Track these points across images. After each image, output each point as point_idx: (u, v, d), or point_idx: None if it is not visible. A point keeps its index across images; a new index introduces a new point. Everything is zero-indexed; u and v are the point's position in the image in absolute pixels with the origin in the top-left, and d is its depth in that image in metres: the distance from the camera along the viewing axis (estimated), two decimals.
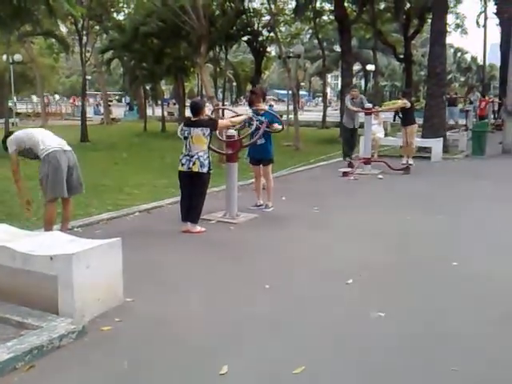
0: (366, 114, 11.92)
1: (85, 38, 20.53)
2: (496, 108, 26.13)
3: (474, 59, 61.40)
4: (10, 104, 28.64)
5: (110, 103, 35.65)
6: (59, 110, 40.33)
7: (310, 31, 33.19)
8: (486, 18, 32.46)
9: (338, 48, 31.97)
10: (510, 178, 11.24)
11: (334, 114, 30.97)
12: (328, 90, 52.00)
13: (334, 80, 72.33)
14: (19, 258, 3.98)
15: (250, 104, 8.02)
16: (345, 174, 11.22)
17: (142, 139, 20.56)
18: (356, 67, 43.05)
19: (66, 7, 12.81)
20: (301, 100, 56.08)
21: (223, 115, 8.25)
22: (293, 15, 26.59)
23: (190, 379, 3.17)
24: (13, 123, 23.60)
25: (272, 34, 25.65)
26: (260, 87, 11.54)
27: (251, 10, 25.91)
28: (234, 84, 42.99)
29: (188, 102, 21.54)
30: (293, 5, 25.94)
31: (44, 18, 17.26)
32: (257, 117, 7.39)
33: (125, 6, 25.54)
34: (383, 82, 53.20)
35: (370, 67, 35.16)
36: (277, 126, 7.58)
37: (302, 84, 61.21)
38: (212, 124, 6.56)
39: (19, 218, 6.47)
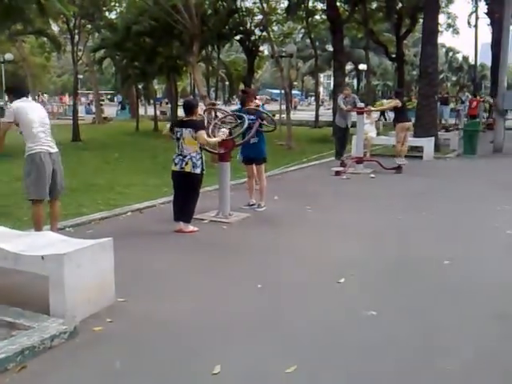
0: (358, 113, 11.96)
1: (76, 36, 20.40)
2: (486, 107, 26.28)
3: (465, 59, 61.70)
4: (1, 103, 28.46)
5: (101, 102, 35.52)
6: (51, 109, 40.14)
7: (303, 30, 33.26)
8: (477, 18, 32.65)
9: (330, 47, 31.97)
10: (501, 176, 11.30)
11: (326, 114, 30.95)
12: (320, 89, 52.09)
13: (326, 79, 72.36)
14: (10, 258, 3.96)
15: (242, 104, 8.02)
16: (337, 173, 11.25)
17: (134, 138, 20.49)
18: (348, 67, 43.11)
19: (58, 6, 12.78)
20: (294, 99, 56.14)
21: (216, 115, 8.24)
22: (285, 14, 26.60)
23: (182, 379, 3.17)
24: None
25: (264, 33, 25.69)
26: (251, 88, 11.56)
27: (243, 9, 25.93)
28: (227, 83, 42.98)
29: (181, 101, 21.53)
30: (285, 4, 25.98)
31: (35, 17, 17.18)
32: (249, 115, 7.39)
33: (117, 4, 25.43)
34: (375, 81, 53.35)
35: (363, 67, 35.26)
36: (266, 125, 7.59)
37: (295, 83, 61.21)
38: (196, 126, 6.40)
39: (11, 218, 6.43)
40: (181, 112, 6.77)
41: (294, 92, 56.00)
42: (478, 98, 24.55)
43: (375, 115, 15.24)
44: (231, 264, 5.33)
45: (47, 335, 3.46)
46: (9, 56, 28.01)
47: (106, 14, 25.35)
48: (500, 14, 18.40)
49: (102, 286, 4.08)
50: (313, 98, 58.39)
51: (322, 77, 58.72)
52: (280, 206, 7.99)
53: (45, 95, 49.51)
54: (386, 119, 27.10)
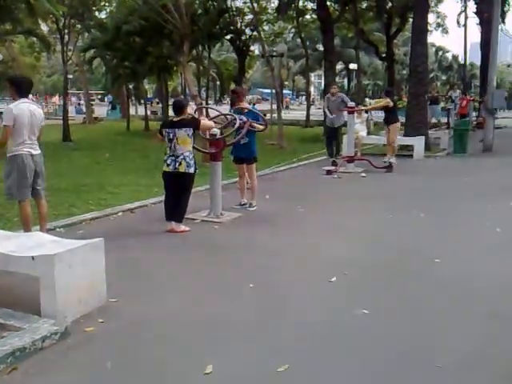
0: (349, 112, 11.98)
1: (66, 36, 20.29)
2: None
3: (455, 58, 62.03)
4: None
5: (92, 102, 35.35)
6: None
7: (293, 30, 33.25)
8: (466, 18, 32.82)
9: (320, 47, 32.02)
10: (491, 175, 11.37)
11: (317, 113, 31.05)
12: (311, 88, 52.17)
13: (317, 79, 72.45)
14: (0, 260, 3.94)
15: (232, 104, 8.02)
16: (328, 172, 11.27)
17: (124, 138, 20.43)
18: (339, 66, 43.23)
19: (47, 6, 12.71)
20: (286, 98, 56.20)
21: (207, 115, 8.24)
22: (275, 14, 26.61)
23: (174, 379, 3.17)
24: None
25: (255, 33, 25.66)
26: (240, 88, 11.55)
27: (234, 9, 25.90)
28: (218, 83, 42.92)
29: (171, 101, 21.46)
30: (275, 3, 25.99)
31: (25, 17, 17.08)
32: (240, 116, 7.40)
33: (107, 4, 25.34)
34: (366, 80, 53.55)
35: (353, 66, 35.29)
36: (258, 126, 7.60)
37: (286, 83, 61.27)
38: (194, 123, 6.54)
39: (1, 219, 6.39)
40: (172, 112, 6.75)
41: (284, 91, 56.02)
42: (467, 96, 24.70)
43: (365, 114, 15.29)
44: (223, 264, 5.33)
45: (38, 336, 3.44)
46: None
47: (96, 13, 25.23)
48: (489, 14, 18.52)
49: (93, 286, 4.07)
50: (304, 98, 58.49)
51: (312, 76, 58.80)
52: (271, 206, 8.00)
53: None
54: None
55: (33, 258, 3.80)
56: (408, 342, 3.60)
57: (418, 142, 14.21)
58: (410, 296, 4.44)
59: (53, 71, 60.39)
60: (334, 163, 11.98)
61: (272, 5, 27.77)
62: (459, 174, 11.54)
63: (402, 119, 15.00)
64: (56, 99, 46.32)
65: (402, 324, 3.89)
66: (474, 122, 23.92)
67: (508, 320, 3.96)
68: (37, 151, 5.73)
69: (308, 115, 28.56)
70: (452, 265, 5.27)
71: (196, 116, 7.52)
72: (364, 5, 27.59)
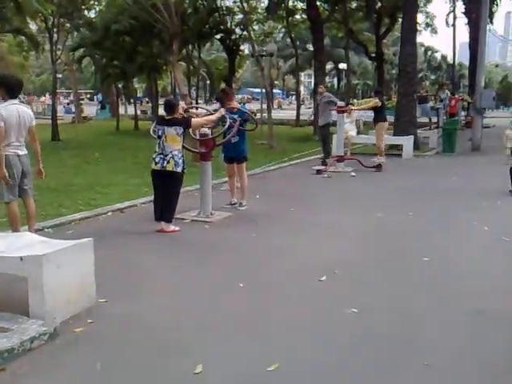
0: (339, 112, 12.00)
1: (55, 35, 20.15)
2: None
3: (443, 58, 62.39)
4: None
5: (81, 102, 35.15)
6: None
7: (283, 30, 33.32)
8: (454, 18, 33.04)
9: (310, 47, 32.07)
10: (479, 174, 11.46)
11: (307, 113, 31.07)
12: (301, 88, 52.22)
13: (307, 78, 72.55)
14: None
15: (222, 103, 8.02)
16: (318, 171, 11.31)
17: (114, 138, 20.33)
18: (329, 66, 43.35)
19: (35, 5, 12.62)
20: (278, 98, 56.18)
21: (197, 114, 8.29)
22: (265, 14, 26.64)
23: (164, 379, 3.16)
24: None
25: (245, 33, 25.69)
26: (229, 88, 11.52)
27: (224, 8, 25.90)
28: (208, 82, 42.88)
29: (161, 101, 21.42)
30: (265, 3, 26.03)
31: (13, 15, 16.95)
32: (230, 115, 7.39)
33: (96, 3, 25.20)
34: (355, 80, 53.70)
35: (343, 66, 35.50)
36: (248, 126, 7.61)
37: (276, 82, 61.34)
38: (185, 122, 6.54)
39: None
40: (162, 111, 6.75)
41: (275, 91, 56.12)
42: (456, 96, 24.85)
43: (355, 114, 15.33)
44: (213, 263, 5.33)
45: (27, 337, 3.42)
46: None
47: (85, 12, 25.09)
48: (477, 14, 18.66)
49: (82, 286, 4.05)
50: (294, 97, 58.53)
51: (302, 76, 58.89)
52: (261, 205, 8.01)
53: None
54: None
55: (21, 258, 3.77)
56: (397, 340, 3.62)
57: (407, 142, 14.29)
58: (399, 295, 4.46)
59: (42, 70, 60.04)
60: (323, 163, 12.01)
61: (262, 4, 27.88)
62: (448, 173, 11.61)
63: (392, 119, 15.06)
64: (45, 99, 45.95)
65: (390, 323, 3.91)
66: (463, 122, 24.09)
67: (496, 318, 3.99)
68: (23, 151, 5.70)
69: (298, 115, 28.60)
70: (440, 263, 5.30)
71: (186, 115, 7.51)
72: (354, 5, 27.68)
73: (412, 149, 14.36)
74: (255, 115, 9.19)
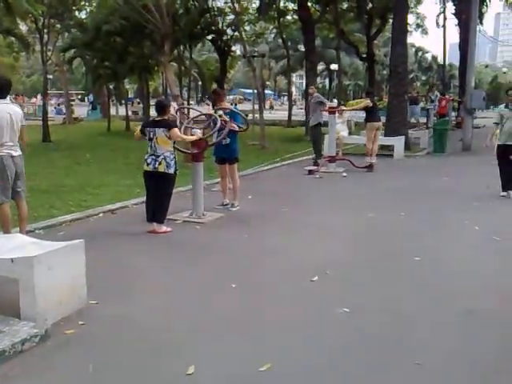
0: (330, 112, 12.03)
1: (46, 36, 20.04)
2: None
3: (434, 58, 62.64)
4: None
5: (72, 103, 35.00)
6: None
7: (275, 30, 33.34)
8: (445, 19, 33.23)
9: (302, 47, 32.13)
10: (470, 174, 11.53)
11: (299, 113, 31.15)
12: (293, 89, 52.28)
13: (299, 79, 72.65)
14: None
15: (214, 104, 8.02)
16: (310, 172, 11.33)
17: (105, 139, 20.26)
18: (320, 67, 43.39)
19: (25, 5, 12.55)
20: (270, 98, 56.22)
21: (188, 115, 8.25)
22: (257, 14, 26.65)
23: (156, 380, 3.15)
24: None
25: (236, 33, 25.68)
26: (220, 89, 11.53)
27: (215, 9, 25.87)
28: (199, 83, 42.84)
29: (153, 101, 21.35)
30: (257, 4, 26.02)
31: (3, 16, 16.85)
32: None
33: (86, 4, 25.11)
34: (347, 81, 53.81)
35: (334, 67, 35.51)
36: (234, 126, 7.56)
37: (268, 83, 61.38)
38: (170, 126, 6.43)
39: None
40: (153, 112, 6.73)
41: (266, 92, 56.13)
42: (447, 96, 24.99)
43: (347, 114, 15.37)
44: (205, 264, 5.32)
45: (18, 339, 3.40)
46: None
47: (76, 13, 25.00)
48: (467, 15, 18.77)
49: (73, 288, 4.03)
50: (285, 98, 58.62)
51: (294, 77, 58.91)
52: (254, 206, 8.01)
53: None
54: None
55: (12, 260, 3.75)
56: (388, 340, 3.64)
57: (398, 142, 14.36)
58: (391, 295, 4.48)
59: (32, 71, 59.65)
60: (315, 163, 12.04)
61: (253, 5, 27.87)
62: (439, 173, 11.68)
63: (383, 119, 15.11)
64: (36, 100, 45.73)
65: (382, 323, 3.92)
66: (454, 122, 24.23)
67: (486, 318, 4.02)
68: (17, 152, 5.66)
69: (290, 115, 28.64)
70: (432, 263, 5.33)
71: (177, 117, 7.50)
72: (345, 5, 27.77)
73: (403, 149, 14.44)
74: (247, 116, 9.19)
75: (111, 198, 8.35)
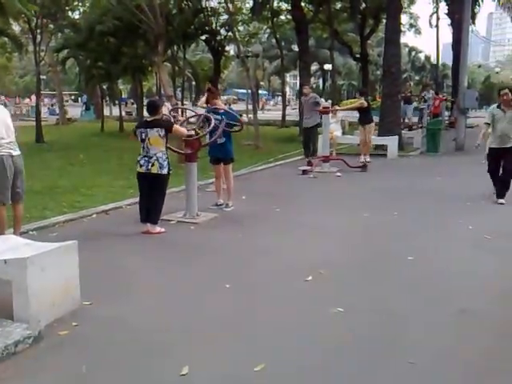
0: (324, 112, 12.04)
1: (39, 36, 19.96)
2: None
3: (427, 58, 62.86)
4: None
5: (65, 103, 34.89)
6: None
7: (268, 31, 33.34)
8: (438, 19, 33.40)
9: (295, 48, 32.14)
10: (463, 173, 11.56)
11: (293, 113, 31.18)
12: (287, 89, 52.31)
13: (292, 79, 72.68)
14: None
15: (208, 102, 8.01)
16: (304, 172, 11.34)
17: (99, 139, 20.21)
18: (314, 67, 43.46)
19: (18, 5, 12.49)
20: (262, 99, 56.20)
21: (183, 115, 8.25)
22: (250, 14, 26.64)
23: (150, 381, 3.15)
24: None
25: (230, 33, 25.66)
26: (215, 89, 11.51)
27: (209, 9, 25.84)
28: (193, 83, 42.78)
29: (146, 102, 21.30)
30: (250, 4, 26.01)
31: None
32: (215, 115, 7.38)
33: (80, 4, 25.04)
34: (340, 81, 53.88)
35: (328, 67, 35.55)
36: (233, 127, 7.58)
37: (262, 83, 61.35)
38: (167, 125, 6.48)
39: None
40: (146, 112, 6.72)
41: (260, 92, 56.14)
42: (440, 96, 25.06)
43: (341, 114, 15.41)
44: (199, 264, 5.32)
45: (11, 341, 3.39)
46: None
47: (69, 13, 24.92)
48: (460, 15, 18.84)
49: (66, 289, 4.02)
50: (279, 98, 58.63)
51: (288, 77, 58.92)
52: (248, 206, 8.01)
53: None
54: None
55: (5, 261, 3.74)
56: (382, 340, 3.65)
57: (391, 142, 14.40)
58: (384, 294, 4.49)
59: (25, 72, 59.36)
60: (309, 163, 12.05)
61: (247, 5, 27.86)
62: (432, 172, 11.71)
63: (376, 119, 15.16)
64: (29, 101, 45.55)
65: (375, 323, 3.93)
66: (447, 122, 24.30)
67: (480, 318, 4.04)
68: (16, 152, 5.63)
69: (284, 115, 28.66)
70: (425, 262, 5.35)
71: (171, 117, 7.48)
72: (338, 5, 27.81)
73: (397, 149, 14.47)
74: (241, 116, 9.19)
75: (104, 198, 8.33)
